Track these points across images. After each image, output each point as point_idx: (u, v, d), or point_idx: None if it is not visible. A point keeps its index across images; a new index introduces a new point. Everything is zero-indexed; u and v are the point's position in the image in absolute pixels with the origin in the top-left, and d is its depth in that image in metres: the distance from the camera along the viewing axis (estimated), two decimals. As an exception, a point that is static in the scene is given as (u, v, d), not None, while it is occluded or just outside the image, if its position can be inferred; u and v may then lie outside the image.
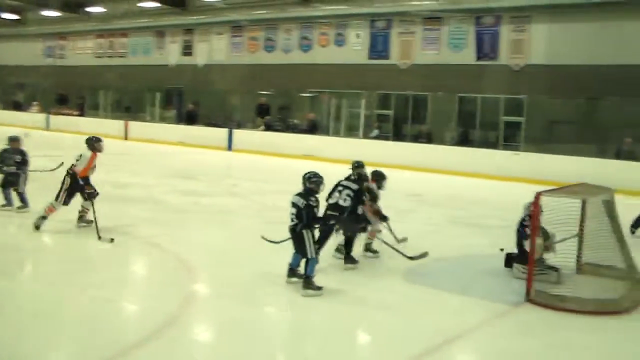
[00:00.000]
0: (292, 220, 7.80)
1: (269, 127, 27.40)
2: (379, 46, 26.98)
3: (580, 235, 9.01)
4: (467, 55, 24.67)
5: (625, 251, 8.50)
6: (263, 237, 8.80)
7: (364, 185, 9.21)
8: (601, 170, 16.70)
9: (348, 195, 8.94)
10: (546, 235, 8.56)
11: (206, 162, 22.75)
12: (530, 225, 8.50)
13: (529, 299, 7.70)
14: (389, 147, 23.36)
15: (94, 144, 10.22)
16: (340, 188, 9.10)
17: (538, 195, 7.99)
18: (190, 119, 29.97)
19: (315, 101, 28.48)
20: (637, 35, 21.03)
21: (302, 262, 7.89)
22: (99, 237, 9.67)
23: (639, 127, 20.21)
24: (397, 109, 26.47)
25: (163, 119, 32.08)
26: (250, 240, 9.98)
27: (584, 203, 8.81)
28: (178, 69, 33.84)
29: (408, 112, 26.09)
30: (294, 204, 7.83)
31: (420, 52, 25.89)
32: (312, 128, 26.36)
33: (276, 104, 29.29)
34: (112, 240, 9.62)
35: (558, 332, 6.91)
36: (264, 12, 30.15)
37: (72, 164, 10.16)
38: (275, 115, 28.61)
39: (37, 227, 10.02)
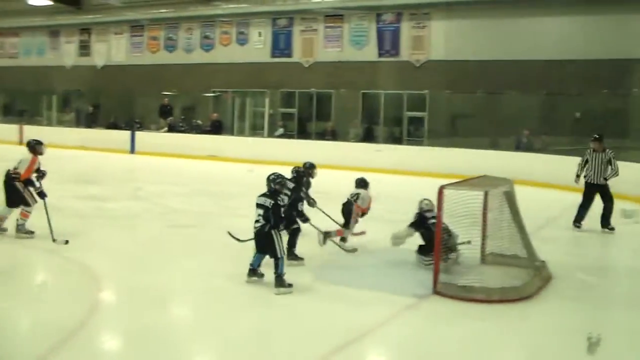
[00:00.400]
0: (258, 222, 7.88)
1: (172, 129, 26.98)
2: (281, 44, 26.94)
3: (484, 227, 9.26)
4: (369, 52, 24.96)
5: (526, 240, 8.78)
6: (229, 233, 8.92)
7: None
8: (501, 162, 17.23)
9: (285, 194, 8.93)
10: (448, 234, 8.74)
11: (108, 166, 22.15)
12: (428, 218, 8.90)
13: (436, 291, 7.83)
14: (294, 146, 23.37)
15: (34, 146, 10.05)
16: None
17: (441, 189, 8.16)
18: (91, 121, 29.15)
19: (219, 101, 28.18)
20: (532, 32, 21.86)
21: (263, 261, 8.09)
22: (54, 240, 9.59)
23: (536, 120, 21.08)
24: (302, 107, 26.50)
25: (61, 123, 30.99)
26: (157, 244, 9.82)
27: (485, 195, 9.05)
28: (75, 70, 32.70)
29: (312, 109, 26.19)
30: (260, 205, 7.90)
31: (322, 50, 26.02)
32: (217, 128, 26.09)
33: (179, 104, 28.84)
34: (67, 242, 9.58)
35: (466, 322, 7.06)
36: (164, 11, 29.52)
37: (14, 167, 9.98)
38: (179, 116, 28.17)
39: None
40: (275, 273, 7.82)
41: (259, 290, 7.93)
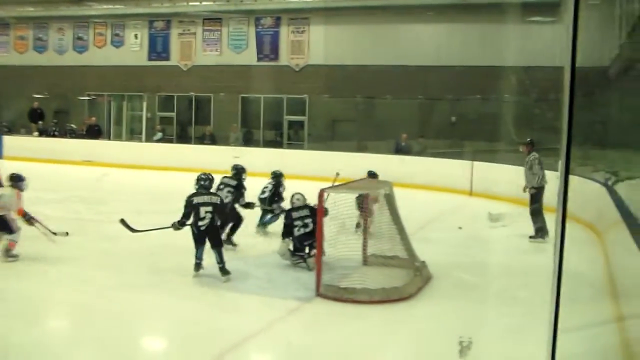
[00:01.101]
0: (205, 219, 8.45)
1: (42, 133, 25.79)
2: (158, 47, 26.40)
3: (365, 228, 9.37)
4: (249, 56, 24.87)
5: (406, 241, 8.94)
6: (123, 222, 9.10)
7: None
8: (381, 166, 17.48)
9: (229, 191, 10.31)
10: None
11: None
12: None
13: (319, 293, 7.83)
14: (173, 150, 22.96)
15: (16, 182, 9.74)
16: (221, 186, 10.40)
17: (321, 192, 8.19)
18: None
19: (94, 105, 27.27)
20: (409, 38, 22.43)
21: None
22: (54, 233, 9.68)
23: (413, 124, 21.62)
24: (180, 111, 26.10)
25: None
26: (29, 252, 9.35)
27: (365, 197, 9.16)
28: None
29: (191, 113, 25.84)
30: (207, 203, 8.53)
31: (201, 53, 25.71)
32: (94, 133, 25.15)
33: (51, 107, 27.62)
34: (66, 233, 9.77)
35: (348, 323, 7.10)
36: (32, 9, 28.27)
37: None
38: (51, 119, 26.97)
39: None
40: (221, 263, 8.48)
41: (136, 297, 7.69)
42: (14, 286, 7.94)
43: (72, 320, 7.12)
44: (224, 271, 8.45)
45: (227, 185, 10.51)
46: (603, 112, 16.15)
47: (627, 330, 6.14)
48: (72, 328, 6.92)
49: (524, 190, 11.85)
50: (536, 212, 11.65)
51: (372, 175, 11.90)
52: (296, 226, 9.17)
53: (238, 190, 10.51)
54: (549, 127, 17.48)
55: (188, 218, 8.59)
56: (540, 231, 11.55)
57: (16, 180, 9.73)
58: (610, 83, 16.70)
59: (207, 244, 8.65)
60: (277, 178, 11.65)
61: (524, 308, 7.74)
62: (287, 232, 9.29)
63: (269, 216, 11.54)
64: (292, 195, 9.63)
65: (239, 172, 10.88)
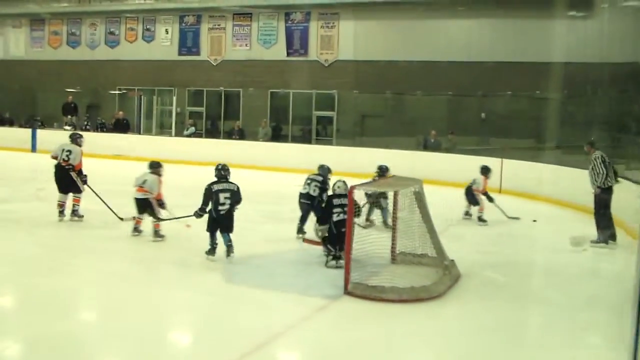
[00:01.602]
0: (224, 204, 8.97)
1: (75, 127, 25.98)
2: (189, 42, 26.49)
3: (394, 226, 9.30)
4: (278, 51, 24.87)
5: (435, 239, 8.86)
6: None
7: None
8: (410, 162, 17.44)
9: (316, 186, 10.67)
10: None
11: (7, 165, 21.13)
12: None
13: (347, 291, 7.77)
14: (202, 145, 23.03)
15: (78, 140, 11.75)
16: (308, 181, 10.83)
17: (351, 189, 8.14)
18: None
19: (125, 99, 27.48)
20: (439, 33, 22.31)
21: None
22: (121, 219, 11.04)
23: (443, 120, 21.49)
24: (210, 106, 26.19)
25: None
26: (63, 247, 9.43)
27: (395, 195, 9.09)
28: (-32, 65, 31.15)
29: (221, 108, 25.91)
30: (225, 190, 9.04)
31: (231, 48, 25.76)
32: (122, 127, 25.37)
33: (84, 102, 27.89)
34: (133, 218, 10.47)
35: (377, 322, 7.02)
36: (66, 5, 28.55)
37: (64, 160, 11.42)
38: (84, 114, 27.23)
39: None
40: (229, 243, 9.02)
41: (163, 293, 7.71)
42: (47, 281, 7.96)
43: (101, 315, 7.11)
44: (230, 250, 9.05)
45: (314, 180, 10.82)
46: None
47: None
48: (100, 322, 6.91)
49: (594, 193, 11.16)
50: (601, 215, 11.09)
51: (382, 169, 12.24)
52: (335, 212, 9.09)
53: (323, 185, 10.79)
54: (581, 124, 17.40)
55: (207, 205, 9.08)
56: (603, 235, 10.99)
57: (156, 167, 10.64)
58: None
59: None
60: (324, 172, 11.51)
61: (554, 308, 7.64)
62: (324, 218, 9.28)
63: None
64: (334, 183, 9.62)
65: (324, 169, 11.17)
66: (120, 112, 26.06)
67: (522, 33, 21.02)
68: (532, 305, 7.85)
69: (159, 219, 10.26)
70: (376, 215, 12.07)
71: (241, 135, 23.67)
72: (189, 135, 24.51)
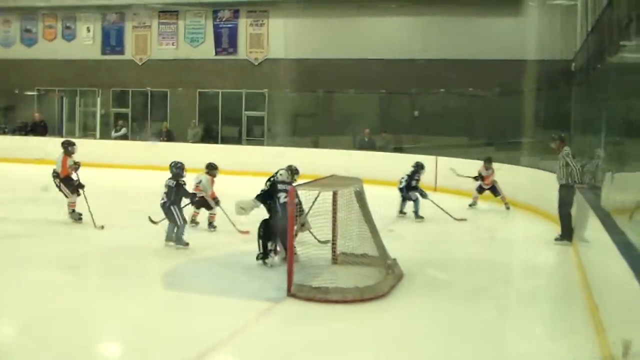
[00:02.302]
0: (163, 199, 10.10)
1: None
2: (112, 40, 26.02)
3: (334, 226, 9.34)
4: (206, 50, 24.71)
5: (377, 238, 8.96)
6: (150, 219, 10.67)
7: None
8: (345, 162, 17.57)
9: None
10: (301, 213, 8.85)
11: None
12: None
13: (290, 293, 7.78)
14: (128, 147, 22.66)
15: (67, 147, 12.06)
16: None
17: (292, 189, 8.16)
18: None
19: (44, 100, 26.76)
20: (371, 31, 22.53)
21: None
22: (99, 227, 11.21)
23: (376, 118, 21.72)
24: (136, 107, 25.79)
25: None
26: None
27: (334, 194, 9.13)
28: None
29: (147, 109, 25.56)
30: (165, 186, 10.17)
31: (157, 47, 25.43)
32: (40, 129, 24.61)
33: (-1, 103, 27.06)
34: (102, 227, 11.15)
35: (322, 324, 7.08)
36: (-26, 0, 27.61)
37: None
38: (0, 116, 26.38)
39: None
40: (176, 236, 10.12)
41: (98, 302, 7.56)
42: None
43: (30, 327, 6.84)
44: (176, 242, 10.14)
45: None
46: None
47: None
48: (26, 335, 6.67)
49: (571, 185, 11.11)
50: (567, 212, 11.20)
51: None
52: (280, 196, 9.15)
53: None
54: (512, 120, 17.88)
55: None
56: (568, 233, 11.11)
57: (212, 169, 11.89)
58: (574, 76, 17.00)
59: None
60: (417, 168, 13.61)
61: (496, 303, 7.85)
62: (265, 195, 9.48)
63: (406, 203, 13.63)
64: (277, 171, 9.73)
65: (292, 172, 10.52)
66: (37, 114, 25.24)
67: (455, 30, 21.46)
68: (476, 301, 8.01)
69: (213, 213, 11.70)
70: (408, 207, 13.55)
71: (169, 136, 23.36)
72: (119, 137, 23.99)
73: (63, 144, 12.30)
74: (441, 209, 13.52)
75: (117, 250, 10.01)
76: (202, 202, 11.48)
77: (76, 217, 11.87)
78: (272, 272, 8.82)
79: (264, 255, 9.13)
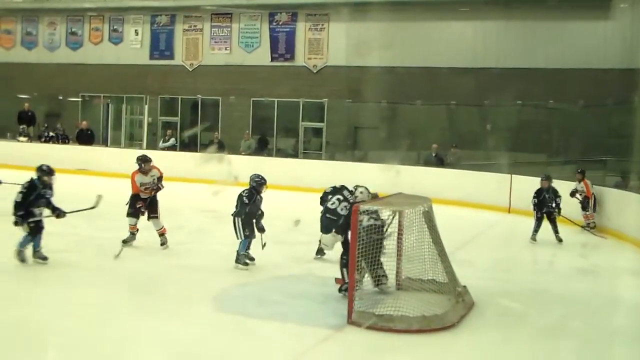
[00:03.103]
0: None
1: (35, 137, 25.75)
2: (161, 44, 26.59)
3: (399, 249, 9.36)
4: (261, 56, 25.03)
5: (446, 263, 8.94)
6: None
7: None
8: (411, 178, 17.50)
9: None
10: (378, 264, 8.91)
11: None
12: None
13: (351, 320, 7.80)
14: (176, 158, 22.96)
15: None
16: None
17: (355, 208, 8.22)
18: None
19: (89, 107, 27.43)
20: (442, 37, 22.51)
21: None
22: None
23: (444, 132, 21.62)
24: (185, 115, 26.24)
25: None
26: (26, 274, 9.41)
27: (400, 214, 9.16)
28: None
29: (197, 118, 25.96)
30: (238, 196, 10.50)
31: (209, 52, 25.87)
32: (86, 138, 25.25)
33: (41, 110, 27.77)
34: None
35: (385, 355, 7.09)
36: (20, 0, 28.51)
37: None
38: (42, 123, 27.08)
39: None
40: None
41: (140, 323, 7.71)
42: (9, 313, 7.86)
43: (66, 349, 6.98)
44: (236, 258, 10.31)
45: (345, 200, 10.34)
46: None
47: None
48: (73, 356, 6.85)
49: None
50: None
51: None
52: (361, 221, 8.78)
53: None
54: (596, 136, 17.60)
55: None
56: None
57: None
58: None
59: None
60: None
61: (578, 342, 7.77)
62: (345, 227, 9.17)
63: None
64: (355, 188, 9.72)
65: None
66: (84, 122, 25.89)
67: (532, 36, 21.31)
68: (554, 338, 7.93)
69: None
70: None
71: (221, 148, 23.66)
72: (166, 148, 24.40)
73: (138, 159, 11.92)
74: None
75: (159, 269, 10.23)
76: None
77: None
78: (330, 297, 8.85)
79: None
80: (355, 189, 9.76)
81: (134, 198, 11.52)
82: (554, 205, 13.84)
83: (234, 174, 13.60)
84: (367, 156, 21.61)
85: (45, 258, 10.00)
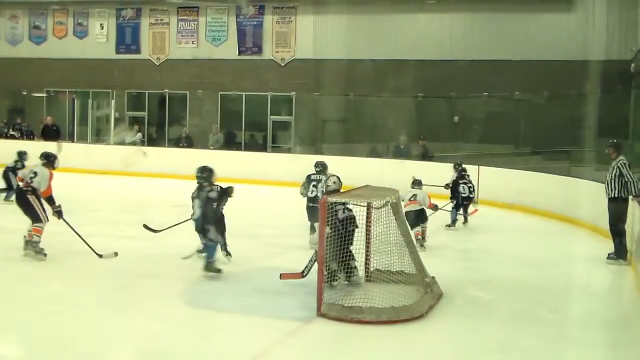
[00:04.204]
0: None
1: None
2: (127, 38, 26.42)
3: (367, 241, 9.44)
4: (229, 49, 24.99)
5: (414, 254, 9.04)
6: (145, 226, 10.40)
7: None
8: (379, 171, 17.63)
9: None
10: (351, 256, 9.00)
11: None
12: None
13: (320, 313, 7.86)
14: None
15: (53, 161, 10.58)
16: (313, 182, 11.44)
17: (324, 200, 8.28)
18: None
19: (54, 102, 27.20)
20: (409, 30, 22.63)
21: None
22: (99, 255, 10.00)
23: (412, 125, 21.75)
24: (152, 110, 26.14)
25: None
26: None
27: (368, 206, 9.24)
28: None
29: (165, 113, 25.88)
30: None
31: (175, 46, 25.78)
32: (52, 134, 25.04)
33: (4, 105, 27.49)
34: (115, 254, 10.06)
35: (354, 345, 7.16)
36: (-23, -7, 28.09)
37: (27, 181, 10.33)
38: (2, 119, 26.78)
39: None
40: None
41: (112, 319, 7.73)
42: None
43: (34, 346, 6.96)
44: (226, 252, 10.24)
45: (319, 181, 11.44)
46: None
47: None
48: (39, 351, 6.82)
49: (633, 200, 11.02)
50: (621, 228, 11.09)
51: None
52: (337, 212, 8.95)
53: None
54: (562, 127, 17.86)
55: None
56: (623, 251, 11.06)
57: (50, 158, 10.63)
58: (633, 78, 16.87)
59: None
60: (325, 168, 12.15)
61: (545, 328, 7.90)
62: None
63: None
64: (328, 178, 9.98)
65: (325, 165, 11.83)
66: (49, 118, 25.73)
67: (499, 29, 21.53)
68: (521, 325, 8.06)
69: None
70: None
71: (189, 142, 23.63)
72: (134, 143, 24.24)
73: (44, 155, 10.70)
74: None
75: (130, 265, 10.12)
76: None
77: (38, 250, 10.27)
78: (299, 290, 8.88)
79: (330, 276, 9.14)
80: (328, 178, 9.88)
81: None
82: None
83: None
84: (334, 149, 21.62)
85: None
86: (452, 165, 15.43)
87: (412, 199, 12.27)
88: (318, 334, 7.55)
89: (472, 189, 14.45)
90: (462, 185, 14.40)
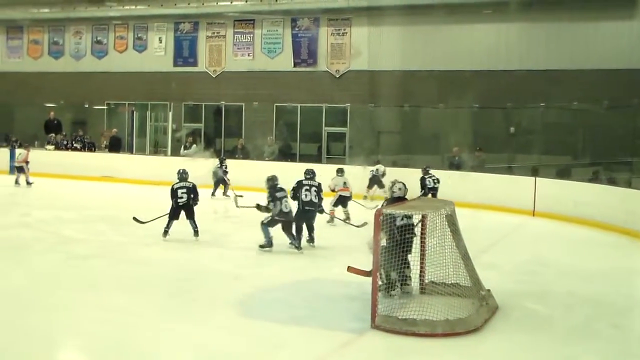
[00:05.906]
0: (182, 198, 12.59)
1: (59, 146, 26.05)
2: (185, 51, 26.68)
3: (422, 253, 9.31)
4: (284, 61, 25.06)
5: (470, 267, 8.88)
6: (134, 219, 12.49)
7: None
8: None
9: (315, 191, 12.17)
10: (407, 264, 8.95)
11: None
12: None
13: (375, 325, 7.77)
14: (200, 165, 22.99)
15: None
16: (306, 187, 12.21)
17: (378, 212, 8.18)
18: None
19: (114, 114, 27.63)
20: (463, 40, 22.45)
21: None
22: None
23: (467, 136, 21.51)
24: (208, 121, 26.34)
25: None
26: (49, 279, 9.47)
27: (423, 218, 9.12)
28: None
29: (221, 124, 26.06)
30: (183, 187, 12.71)
31: (232, 58, 25.94)
32: (114, 145, 25.53)
33: (67, 118, 28.01)
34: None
35: (409, 358, 7.07)
36: (47, 11, 28.68)
37: None
38: (68, 131, 27.30)
39: None
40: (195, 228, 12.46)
41: (164, 327, 7.74)
42: (27, 318, 7.90)
43: (94, 355, 7.05)
44: (196, 233, 12.36)
45: (312, 186, 12.27)
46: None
47: None
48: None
49: None
50: None
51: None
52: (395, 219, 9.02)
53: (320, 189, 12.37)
54: (622, 137, 17.49)
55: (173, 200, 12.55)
56: None
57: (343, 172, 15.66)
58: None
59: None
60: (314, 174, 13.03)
61: (607, 344, 7.68)
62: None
63: None
64: (393, 184, 9.92)
65: (314, 175, 12.61)
66: (114, 130, 26.20)
67: (555, 37, 21.17)
68: (582, 340, 7.85)
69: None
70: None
71: (245, 154, 23.74)
72: (188, 155, 24.26)
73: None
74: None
75: (183, 273, 10.23)
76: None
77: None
78: (354, 301, 8.82)
79: (388, 286, 9.08)
80: (393, 185, 9.79)
81: None
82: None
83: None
84: (389, 160, 21.50)
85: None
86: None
87: (344, 186, 15.18)
88: (372, 346, 7.45)
89: (436, 181, 16.66)
90: (427, 179, 16.69)
